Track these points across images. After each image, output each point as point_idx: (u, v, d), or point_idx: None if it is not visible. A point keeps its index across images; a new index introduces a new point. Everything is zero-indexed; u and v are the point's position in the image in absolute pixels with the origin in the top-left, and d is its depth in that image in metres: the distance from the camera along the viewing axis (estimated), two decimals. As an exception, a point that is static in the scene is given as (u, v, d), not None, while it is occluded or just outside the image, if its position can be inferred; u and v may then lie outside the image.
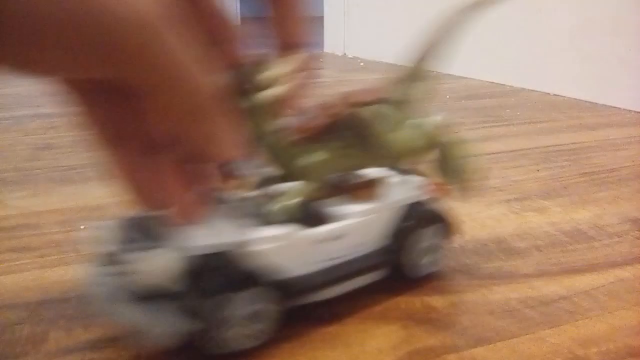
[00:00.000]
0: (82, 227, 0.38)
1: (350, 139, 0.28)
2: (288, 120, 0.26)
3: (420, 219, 0.30)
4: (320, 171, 0.28)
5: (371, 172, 0.31)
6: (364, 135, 0.27)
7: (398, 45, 1.27)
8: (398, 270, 0.30)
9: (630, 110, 0.76)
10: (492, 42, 0.99)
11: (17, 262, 0.33)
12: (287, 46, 0.26)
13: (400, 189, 0.30)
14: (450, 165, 0.30)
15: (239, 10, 2.95)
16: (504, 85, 0.96)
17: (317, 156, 0.27)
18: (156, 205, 0.24)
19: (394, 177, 0.30)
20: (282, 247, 0.26)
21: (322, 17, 1.51)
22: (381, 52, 1.29)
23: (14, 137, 0.62)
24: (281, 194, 0.27)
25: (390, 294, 0.30)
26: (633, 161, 0.53)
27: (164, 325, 0.23)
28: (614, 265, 0.33)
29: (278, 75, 0.25)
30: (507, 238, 0.37)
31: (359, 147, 0.28)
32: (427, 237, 0.30)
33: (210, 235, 0.24)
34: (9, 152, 0.56)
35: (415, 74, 0.29)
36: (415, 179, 0.31)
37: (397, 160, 0.29)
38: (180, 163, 0.24)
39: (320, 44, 1.54)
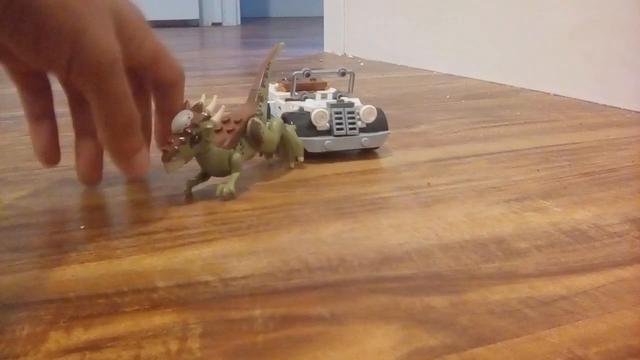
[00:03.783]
0: (82, 227, 0.38)
1: (248, 140, 0.46)
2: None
3: None
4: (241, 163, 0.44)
5: None
6: (256, 137, 0.45)
7: (398, 45, 1.27)
8: None
9: (630, 110, 0.76)
10: (492, 42, 0.99)
11: (17, 262, 0.33)
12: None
13: None
14: (288, 145, 0.49)
15: (239, 10, 2.94)
16: (504, 85, 0.96)
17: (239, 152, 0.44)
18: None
19: None
20: None
21: (322, 17, 1.51)
22: (381, 52, 1.29)
23: (14, 137, 0.62)
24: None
25: (390, 294, 0.30)
26: (633, 161, 0.53)
27: None
28: (614, 265, 0.33)
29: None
30: (507, 238, 0.37)
31: (252, 143, 0.46)
32: None
33: None
34: (9, 152, 0.56)
35: (261, 96, 0.48)
36: None
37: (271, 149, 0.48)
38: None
39: (320, 44, 1.54)
